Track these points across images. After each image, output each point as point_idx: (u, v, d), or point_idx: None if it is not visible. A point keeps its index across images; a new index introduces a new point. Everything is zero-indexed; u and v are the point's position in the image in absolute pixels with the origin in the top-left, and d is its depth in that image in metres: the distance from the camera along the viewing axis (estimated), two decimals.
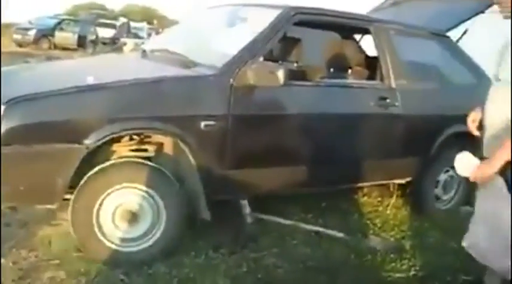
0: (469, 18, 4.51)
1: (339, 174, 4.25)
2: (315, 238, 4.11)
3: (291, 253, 3.82)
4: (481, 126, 3.03)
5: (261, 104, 3.69)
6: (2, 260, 3.30)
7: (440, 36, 4.88)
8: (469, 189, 4.63)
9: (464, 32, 4.50)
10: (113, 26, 30.42)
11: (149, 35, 30.10)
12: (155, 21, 33.06)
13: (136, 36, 29.33)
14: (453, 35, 4.97)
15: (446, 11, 4.79)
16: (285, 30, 3.98)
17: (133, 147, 3.53)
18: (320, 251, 3.91)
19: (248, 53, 3.66)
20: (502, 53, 2.80)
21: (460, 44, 5.05)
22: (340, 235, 4.16)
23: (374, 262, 3.84)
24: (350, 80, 4.65)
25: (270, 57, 4.42)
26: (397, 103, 4.28)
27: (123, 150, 3.51)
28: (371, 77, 4.71)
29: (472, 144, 3.21)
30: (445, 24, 4.88)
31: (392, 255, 3.92)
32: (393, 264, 3.81)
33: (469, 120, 3.15)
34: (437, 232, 4.42)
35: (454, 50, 4.94)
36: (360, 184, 4.70)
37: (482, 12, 4.63)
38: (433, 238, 4.31)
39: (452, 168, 4.75)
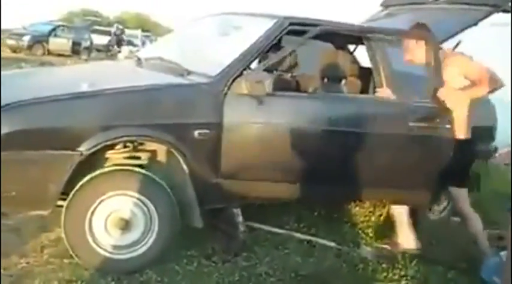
0: (462, 30, 4.53)
1: (333, 191, 4.04)
2: (307, 247, 4.12)
3: (283, 262, 3.83)
4: None
5: (254, 113, 3.69)
6: None
7: None
8: None
9: (457, 44, 4.52)
10: (108, 33, 30.37)
11: (143, 42, 30.07)
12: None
13: (131, 43, 29.30)
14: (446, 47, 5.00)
15: (439, 23, 4.81)
16: (279, 40, 3.98)
17: (127, 155, 3.53)
18: (312, 260, 3.92)
19: (242, 62, 3.67)
20: None
21: None
22: (332, 244, 4.17)
23: (366, 272, 3.85)
24: (344, 93, 4.58)
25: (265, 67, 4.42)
26: None
27: (116, 157, 3.50)
28: (364, 88, 4.72)
29: None
30: (438, 36, 4.90)
31: (384, 265, 3.94)
32: (385, 274, 3.83)
33: None
34: (429, 242, 4.43)
35: None
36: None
37: (475, 24, 4.66)
38: (425, 248, 4.32)
39: None
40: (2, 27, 21.22)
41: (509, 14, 4.65)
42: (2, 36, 23.27)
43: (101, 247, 3.38)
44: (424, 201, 4.31)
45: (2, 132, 3.00)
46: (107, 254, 3.39)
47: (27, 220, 3.95)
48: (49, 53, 25.38)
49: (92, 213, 3.33)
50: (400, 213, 4.34)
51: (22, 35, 25.49)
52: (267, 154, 3.74)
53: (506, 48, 5.10)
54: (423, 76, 4.31)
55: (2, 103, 3.06)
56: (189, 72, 3.74)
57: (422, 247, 4.33)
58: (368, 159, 3.97)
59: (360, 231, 4.58)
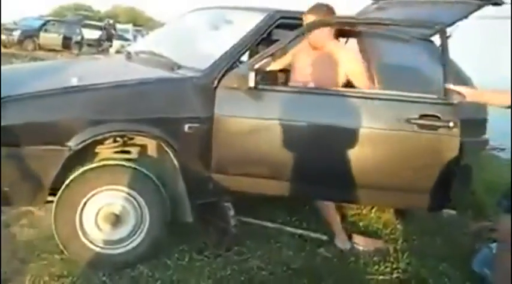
0: (453, 23, 4.51)
1: (325, 190, 3.85)
2: (299, 241, 4.12)
3: (274, 255, 3.83)
4: None
5: (245, 107, 3.65)
6: None
7: (423, 40, 4.89)
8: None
9: (448, 37, 4.50)
10: (99, 28, 30.25)
11: (135, 37, 29.97)
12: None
13: (122, 38, 29.20)
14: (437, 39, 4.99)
15: (430, 16, 4.81)
16: (269, 33, 3.96)
17: (117, 149, 3.52)
18: (303, 254, 3.92)
19: (232, 56, 3.67)
20: None
21: None
22: (324, 237, 4.17)
23: (357, 265, 3.86)
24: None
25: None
26: None
27: (106, 152, 3.50)
28: None
29: None
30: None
31: (375, 258, 3.94)
32: (376, 267, 3.83)
33: None
34: (420, 235, 4.44)
35: (438, 55, 4.93)
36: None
37: (466, 17, 4.65)
38: (417, 241, 4.33)
39: None
40: None
41: (497, 7, 4.64)
42: None
43: (91, 242, 3.38)
44: (423, 204, 3.85)
45: None
46: (98, 249, 3.39)
47: (17, 215, 3.94)
48: (40, 47, 25.27)
49: (82, 208, 3.32)
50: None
51: (12, 29, 25.35)
52: (258, 148, 3.70)
53: (496, 41, 5.09)
54: (412, 69, 4.32)
55: None
56: (179, 66, 3.73)
57: (414, 240, 4.34)
58: (366, 157, 3.69)
59: (352, 224, 4.58)
